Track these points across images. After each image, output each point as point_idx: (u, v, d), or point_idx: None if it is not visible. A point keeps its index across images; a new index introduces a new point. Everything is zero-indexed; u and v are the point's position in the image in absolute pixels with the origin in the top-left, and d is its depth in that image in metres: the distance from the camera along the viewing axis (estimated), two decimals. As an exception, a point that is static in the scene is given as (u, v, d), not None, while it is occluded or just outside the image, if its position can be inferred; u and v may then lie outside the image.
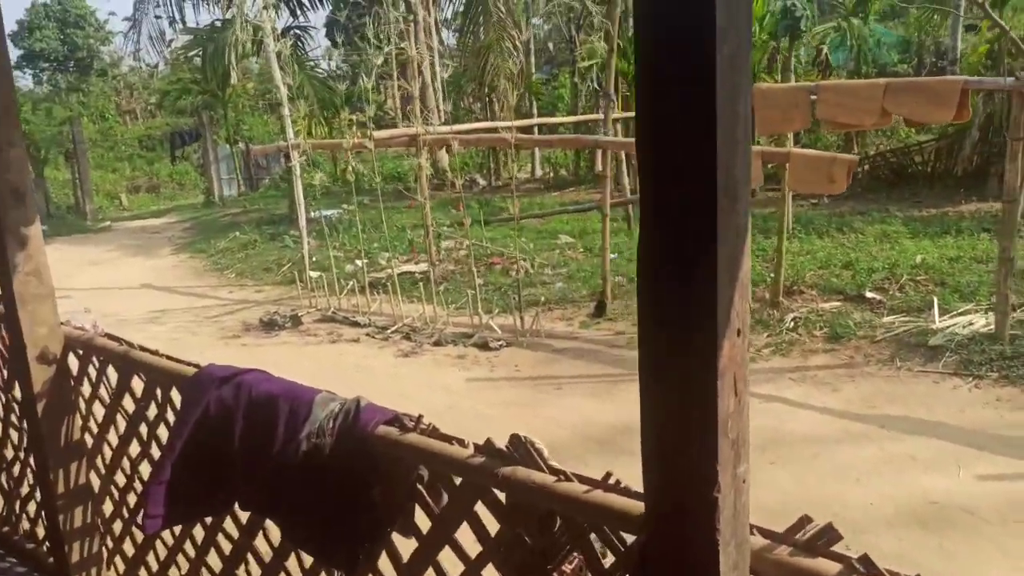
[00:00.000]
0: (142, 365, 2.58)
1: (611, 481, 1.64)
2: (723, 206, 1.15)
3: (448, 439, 1.92)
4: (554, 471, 1.71)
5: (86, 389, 2.96)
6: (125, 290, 10.67)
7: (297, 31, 20.36)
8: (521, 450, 1.76)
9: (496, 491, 1.82)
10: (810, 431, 4.85)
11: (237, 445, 2.16)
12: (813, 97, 6.07)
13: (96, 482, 2.99)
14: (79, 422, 2.97)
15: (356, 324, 8.13)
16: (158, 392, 2.60)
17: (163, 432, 2.65)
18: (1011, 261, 5.47)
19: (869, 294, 6.87)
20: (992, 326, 5.71)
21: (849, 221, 10.64)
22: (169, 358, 2.54)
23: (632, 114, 14.13)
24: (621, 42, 16.45)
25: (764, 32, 12.10)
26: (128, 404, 2.78)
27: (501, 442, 1.84)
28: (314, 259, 10.72)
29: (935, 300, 6.40)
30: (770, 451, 4.60)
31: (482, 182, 19.57)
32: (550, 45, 28.41)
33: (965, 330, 5.75)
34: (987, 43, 12.46)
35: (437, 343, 7.26)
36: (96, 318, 2.77)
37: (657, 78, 1.18)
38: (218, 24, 17.34)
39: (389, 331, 7.73)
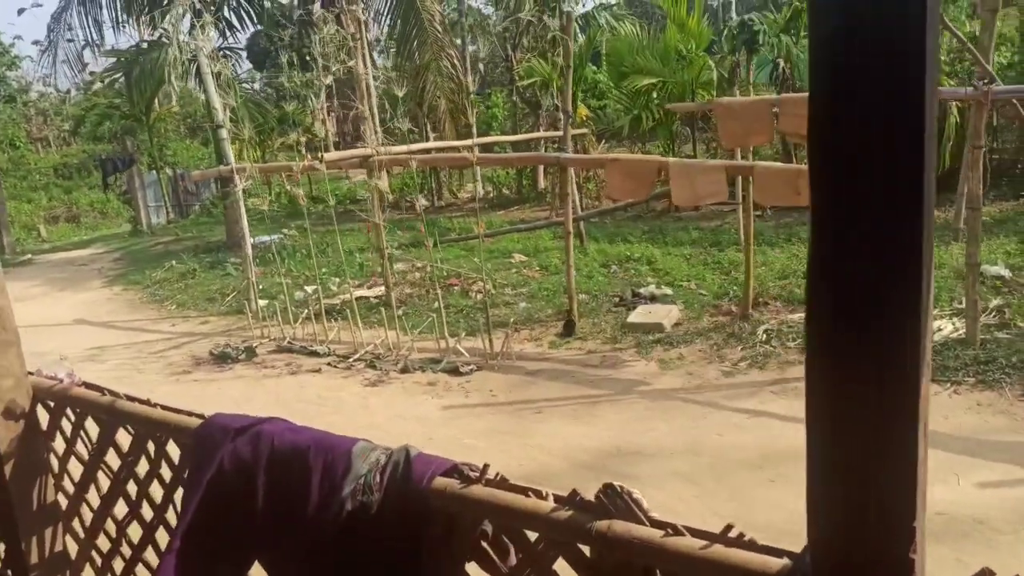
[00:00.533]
0: (131, 416, 2.29)
1: (731, 534, 1.46)
2: (927, 224, 1.00)
3: (522, 490, 1.71)
4: (658, 523, 1.52)
5: (59, 445, 2.64)
6: (57, 327, 10.01)
7: (227, 52, 19.76)
8: (617, 501, 1.57)
9: (581, 546, 1.62)
10: (803, 446, 4.76)
11: (261, 506, 1.90)
12: (775, 110, 6.10)
13: (74, 548, 2.66)
14: (52, 482, 2.63)
15: (315, 354, 7.78)
16: (150, 446, 2.31)
17: (157, 490, 2.37)
18: (978, 267, 5.56)
19: (836, 303, 6.91)
20: (962, 331, 5.79)
21: (797, 232, 10.83)
22: (164, 407, 2.26)
23: (582, 130, 14.14)
24: (558, 60, 16.62)
25: (725, 45, 12.28)
26: (112, 460, 2.47)
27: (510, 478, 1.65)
28: (260, 287, 10.28)
29: (902, 307, 6.47)
30: (768, 468, 4.52)
31: (424, 202, 19.32)
32: (480, 65, 28.46)
33: (936, 336, 5.82)
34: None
35: (404, 370, 6.99)
36: (72, 366, 2.46)
37: (847, 79, 1.01)
38: (144, 46, 16.64)
39: (351, 360, 7.42)
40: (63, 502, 2.65)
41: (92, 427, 2.50)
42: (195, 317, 10.23)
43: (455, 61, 16.62)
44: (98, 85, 25.71)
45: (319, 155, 7.90)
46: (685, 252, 10.60)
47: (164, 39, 16.09)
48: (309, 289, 10.65)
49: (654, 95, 14.59)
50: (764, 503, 4.13)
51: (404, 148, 8.56)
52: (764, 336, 6.51)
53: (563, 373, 6.55)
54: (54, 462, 2.64)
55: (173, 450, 2.27)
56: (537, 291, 9.08)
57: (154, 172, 24.64)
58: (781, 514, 4.00)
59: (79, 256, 18.67)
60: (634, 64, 13.99)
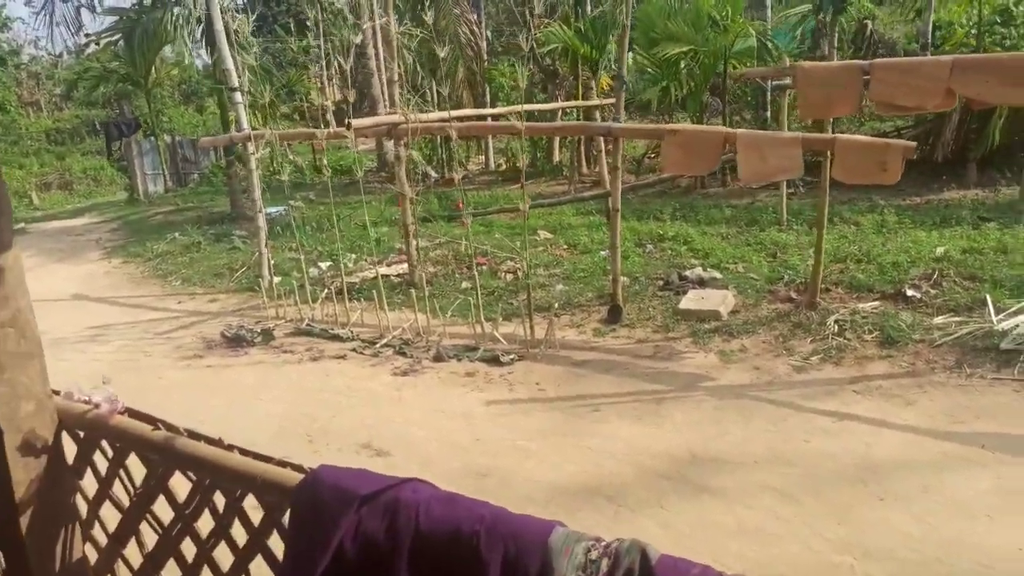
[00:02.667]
0: (195, 461, 1.75)
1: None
2: None
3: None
4: None
5: (89, 485, 2.09)
6: (54, 303, 9.41)
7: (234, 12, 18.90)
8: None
9: None
10: (904, 456, 4.28)
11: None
12: (865, 77, 5.51)
13: (108, 617, 2.13)
14: (79, 532, 2.09)
15: (337, 338, 7.23)
16: (218, 498, 1.77)
17: (223, 555, 1.83)
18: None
19: (910, 292, 6.40)
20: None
21: (838, 211, 10.24)
22: (244, 452, 1.71)
23: (611, 100, 13.49)
24: (581, 26, 15.89)
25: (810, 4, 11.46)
26: (162, 509, 1.94)
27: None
28: (272, 263, 9.69)
29: (988, 298, 5.96)
30: (872, 483, 4.01)
31: (435, 175, 18.66)
32: (488, 33, 27.60)
33: (1032, 332, 5.31)
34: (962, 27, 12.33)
35: (437, 358, 6.45)
36: (114, 389, 1.90)
37: None
38: (147, 4, 15.82)
39: (378, 345, 6.87)
40: (92, 556, 2.11)
41: (136, 466, 1.95)
42: (202, 294, 9.64)
43: (473, 28, 15.85)
44: (93, 47, 24.76)
45: (347, 121, 7.27)
46: (721, 231, 10.04)
47: (167, -3, 15.33)
48: (324, 266, 10.09)
49: (682, 64, 13.91)
50: (877, 526, 3.63)
51: (441, 115, 7.92)
52: (835, 327, 5.98)
53: (614, 365, 6.02)
54: (83, 507, 2.10)
55: (253, 507, 1.73)
56: (572, 272, 8.52)
57: (152, 139, 23.82)
58: (898, 539, 3.52)
59: (74, 225, 17.99)
60: (665, 30, 13.28)
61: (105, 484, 2.03)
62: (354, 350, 6.88)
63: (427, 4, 16.53)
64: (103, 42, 19.82)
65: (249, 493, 1.70)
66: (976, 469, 4.06)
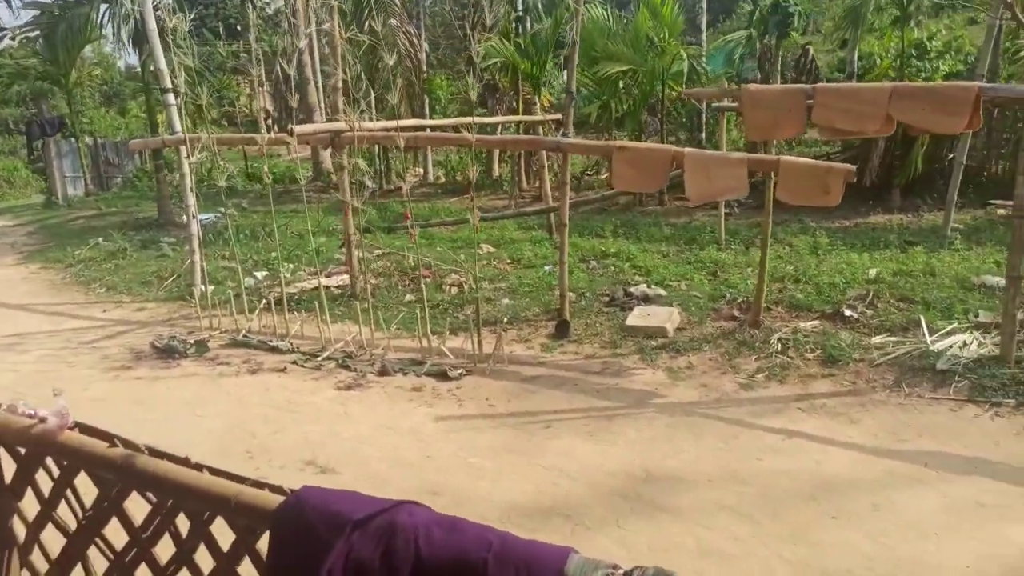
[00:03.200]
0: (158, 481, 1.59)
1: None
2: None
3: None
4: None
5: (29, 507, 1.90)
6: (-34, 309, 8.83)
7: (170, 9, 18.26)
8: None
9: None
10: (853, 474, 4.35)
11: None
12: (809, 101, 5.66)
13: (47, 653, 1.93)
14: (16, 558, 1.89)
15: (276, 349, 6.97)
16: (181, 522, 1.62)
17: (187, 584, 1.68)
18: (1020, 279, 5.24)
19: (847, 312, 6.57)
20: (993, 348, 5.49)
21: (773, 232, 10.46)
22: (214, 471, 1.57)
23: (557, 116, 13.54)
24: (522, 42, 15.96)
25: (754, 29, 11.74)
26: (114, 533, 1.76)
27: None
28: (204, 271, 9.31)
29: (922, 319, 6.17)
30: (824, 502, 4.05)
31: (371, 186, 18.39)
32: (425, 45, 27.55)
33: (967, 352, 5.51)
34: (888, 56, 12.92)
35: (382, 372, 6.28)
36: (65, 402, 1.72)
37: None
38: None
39: (320, 358, 6.65)
40: (33, 586, 1.91)
41: (86, 485, 1.78)
42: (129, 303, 9.19)
43: (412, 39, 15.75)
44: (7, 42, 23.56)
45: (289, 128, 7.06)
46: (661, 249, 10.17)
47: (95, -7, 14.71)
48: (260, 275, 9.77)
49: (620, 84, 14.13)
50: (833, 546, 3.65)
51: (388, 124, 7.77)
52: (779, 345, 6.08)
53: (564, 380, 5.97)
54: (20, 531, 1.90)
55: (220, 532, 1.58)
56: (518, 286, 8.46)
57: (72, 140, 22.78)
58: (855, 558, 3.55)
59: (-13, 228, 17.00)
60: (605, 49, 13.47)
61: (48, 505, 1.84)
62: (295, 363, 6.64)
63: (368, 13, 16.38)
64: (18, 37, 18.86)
65: (218, 516, 1.55)
66: (921, 487, 4.15)
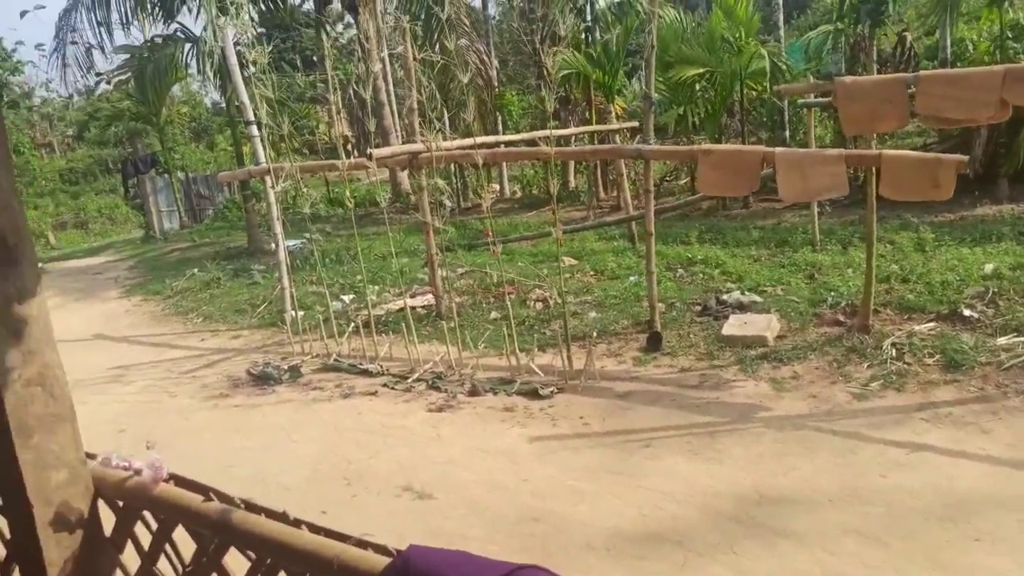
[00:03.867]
0: (255, 538, 1.48)
1: None
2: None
3: None
4: None
5: (130, 559, 1.83)
6: (74, 343, 9.21)
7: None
8: None
9: None
10: (990, 490, 3.96)
11: None
12: (910, 90, 5.27)
13: None
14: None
15: (367, 372, 6.97)
16: (283, 580, 1.51)
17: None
18: None
19: (966, 311, 6.09)
20: None
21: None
22: (313, 527, 1.44)
23: (633, 123, 13.29)
24: (593, 52, 15.77)
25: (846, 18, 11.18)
26: (215, 591, 1.67)
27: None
28: (294, 297, 9.47)
29: (1054, 317, 5.65)
30: (962, 522, 3.69)
31: (449, 204, 18.52)
32: (495, 62, 27.70)
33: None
34: (983, 40, 12.13)
35: (473, 392, 6.18)
36: (158, 454, 1.65)
37: None
38: (158, 41, 15.85)
39: (410, 380, 6.61)
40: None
41: (185, 539, 1.69)
42: (225, 331, 9.43)
43: (483, 57, 15.79)
44: (104, 87, 24.91)
45: (368, 152, 7.09)
46: (751, 253, 9.77)
47: (179, 33, 15.33)
48: (346, 299, 9.87)
49: (697, 87, 13.75)
50: (977, 571, 3.31)
51: (465, 142, 7.73)
52: (893, 351, 5.67)
53: (660, 395, 5.72)
54: (125, 585, 1.83)
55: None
56: (603, 299, 8.24)
57: (165, 176, 23.87)
58: (1006, 587, 3.19)
59: (91, 264, 17.94)
60: (679, 53, 13.13)
61: (148, 559, 1.77)
62: (385, 385, 6.62)
63: (439, 34, 16.54)
64: (114, 81, 19.90)
65: (320, 576, 1.43)
66: (1074, 504, 3.74)
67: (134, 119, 25.85)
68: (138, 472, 1.68)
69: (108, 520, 1.81)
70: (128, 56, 16.99)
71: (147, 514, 1.72)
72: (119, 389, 7.37)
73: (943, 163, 5.23)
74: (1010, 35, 12.74)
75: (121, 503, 1.76)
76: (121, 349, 9.01)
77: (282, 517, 1.47)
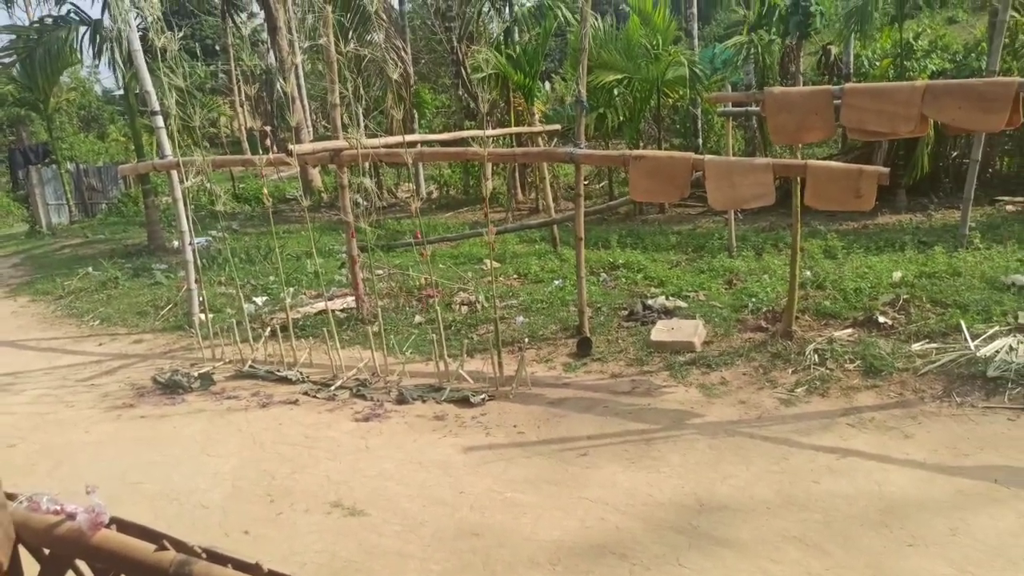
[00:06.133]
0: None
1: None
2: None
3: None
4: None
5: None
6: (-47, 348, 8.44)
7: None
8: None
9: None
10: (919, 495, 4.08)
11: None
12: (836, 102, 5.42)
13: None
14: None
15: (286, 380, 6.65)
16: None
17: None
18: (1070, 281, 5.00)
19: (881, 318, 6.32)
20: (1042, 351, 5.25)
21: (783, 236, 10.31)
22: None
23: (556, 126, 13.29)
24: (513, 52, 15.71)
25: (773, 28, 11.46)
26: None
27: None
28: (203, 299, 8.97)
29: (962, 323, 5.92)
30: (896, 527, 3.77)
31: (363, 203, 18.08)
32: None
33: (1017, 357, 5.26)
34: (887, 57, 12.75)
35: (400, 400, 5.97)
36: (100, 500, 1.41)
37: None
38: (48, 22, 14.78)
39: (333, 388, 6.33)
40: None
41: (128, 594, 1.46)
42: (125, 335, 8.83)
43: (402, 53, 15.49)
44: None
45: (288, 147, 6.75)
46: (671, 258, 9.93)
47: (73, 15, 14.35)
48: (259, 301, 9.43)
49: (615, 92, 13.91)
50: (916, 576, 3.38)
51: (393, 139, 7.47)
52: (816, 357, 5.82)
53: (593, 403, 5.68)
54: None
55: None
56: (530, 303, 8.16)
57: (54, 166, 22.34)
58: (944, 593, 3.26)
59: (-31, 261, 16.54)
60: (598, 58, 13.24)
61: (81, 617, 1.53)
62: (306, 393, 6.31)
63: (357, 28, 16.12)
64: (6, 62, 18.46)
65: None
66: (996, 507, 3.88)
67: (18, 105, 24.14)
68: (72, 516, 1.44)
69: (33, 571, 1.55)
70: (14, 37, 15.76)
71: (83, 566, 1.48)
72: (8, 399, 6.76)
73: (865, 174, 5.38)
74: (899, 51, 13.47)
75: (47, 551, 1.51)
76: (8, 355, 8.29)
77: (255, 569, 1.28)
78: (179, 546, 1.36)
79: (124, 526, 1.43)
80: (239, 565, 1.30)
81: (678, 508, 4.15)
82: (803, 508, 4.02)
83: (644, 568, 3.62)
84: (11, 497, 1.51)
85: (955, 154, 12.32)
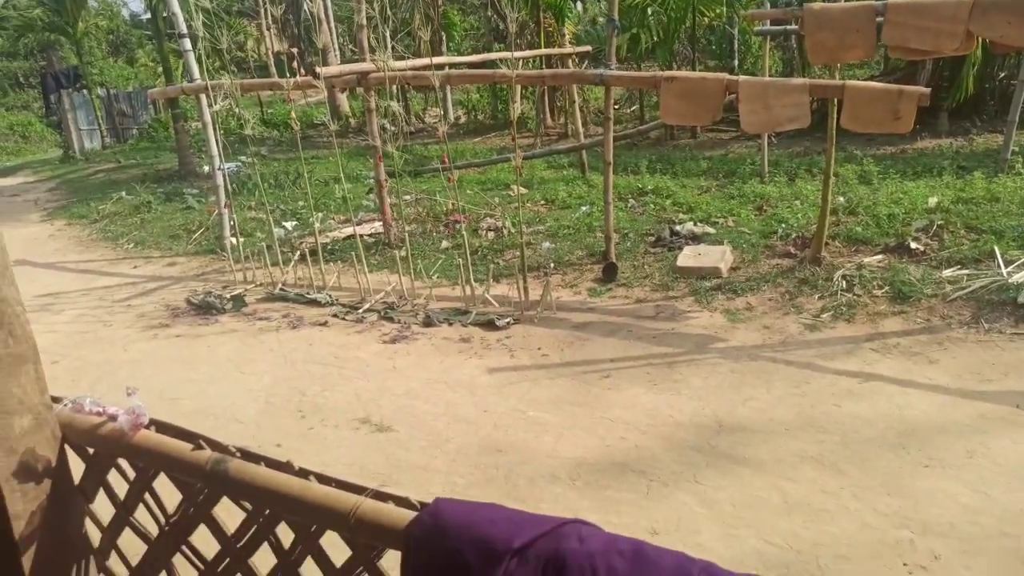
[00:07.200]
0: (255, 490, 1.36)
1: None
2: None
3: None
4: None
5: (103, 510, 1.70)
6: (-4, 269, 8.68)
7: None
8: None
9: None
10: (939, 418, 4.11)
11: None
12: (879, 18, 5.22)
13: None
14: (95, 566, 1.70)
15: (315, 303, 6.78)
16: (283, 533, 1.41)
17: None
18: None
19: (913, 244, 6.23)
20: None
21: (817, 162, 10.08)
22: (321, 477, 1.34)
23: (586, 48, 12.97)
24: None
25: None
26: (203, 540, 1.56)
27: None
28: (234, 223, 9.09)
29: (995, 249, 5.82)
30: (913, 449, 3.82)
31: (391, 127, 17.96)
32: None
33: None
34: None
35: (427, 323, 6.08)
36: (139, 400, 1.50)
37: None
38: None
39: (361, 311, 6.45)
40: (114, 592, 1.72)
41: (166, 488, 1.56)
42: (159, 257, 9.03)
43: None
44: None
45: (314, 70, 6.71)
46: (700, 184, 9.81)
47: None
48: (289, 225, 9.54)
49: (649, 12, 13.49)
50: (930, 496, 3.43)
51: (421, 62, 7.38)
52: (843, 283, 5.78)
53: (617, 327, 5.73)
54: (96, 536, 1.70)
55: (330, 540, 1.36)
56: (557, 229, 8.15)
57: (85, 92, 22.42)
58: (956, 510, 3.33)
59: (5, 185, 16.88)
60: (631, -24, 12.81)
61: (125, 509, 1.64)
62: (335, 315, 6.45)
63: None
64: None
65: (327, 529, 1.33)
66: (1017, 431, 3.90)
67: (47, 30, 24.07)
68: (113, 418, 1.53)
69: (80, 470, 1.66)
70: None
71: (125, 464, 1.57)
72: (49, 318, 6.99)
73: (905, 95, 5.23)
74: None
75: (92, 451, 1.61)
76: (48, 276, 8.54)
77: (286, 467, 1.36)
78: (214, 446, 1.44)
79: (162, 427, 1.52)
80: (271, 463, 1.38)
81: (698, 428, 4.23)
82: (821, 430, 4.07)
83: (662, 484, 3.72)
84: (56, 400, 1.61)
85: (1003, 75, 11.83)
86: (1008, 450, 3.73)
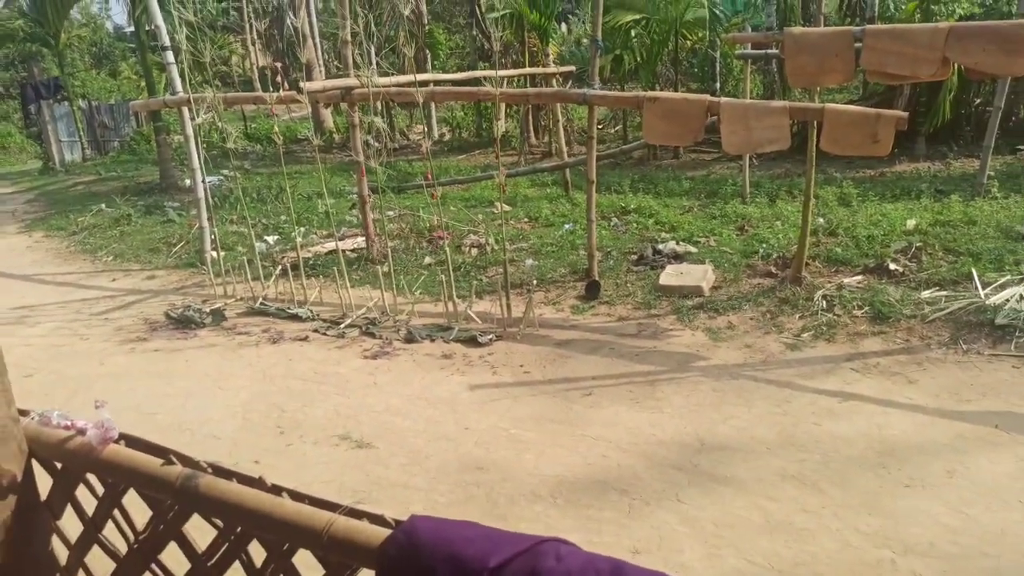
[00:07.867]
0: (225, 507, 1.33)
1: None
2: None
3: None
4: None
5: (71, 526, 1.65)
6: (-30, 281, 8.57)
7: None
8: None
9: None
10: (919, 438, 4.12)
11: None
12: (858, 44, 5.29)
13: None
14: (59, 585, 1.65)
15: (296, 317, 6.72)
16: (255, 551, 1.37)
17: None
18: (1085, 230, 4.94)
19: (892, 265, 6.29)
20: (1053, 301, 5.22)
21: (797, 183, 10.18)
22: (295, 494, 1.31)
23: (570, 68, 13.06)
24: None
25: None
26: (171, 557, 1.52)
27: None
28: (215, 237, 9.02)
29: (973, 271, 5.88)
30: (894, 469, 3.83)
31: (375, 143, 17.96)
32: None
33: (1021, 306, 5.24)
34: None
35: (409, 339, 6.04)
36: (108, 414, 1.46)
37: None
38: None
39: (343, 326, 6.40)
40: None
41: (136, 505, 1.52)
42: (138, 271, 8.93)
43: (414, -11, 15.16)
44: (-4, 2, 22.88)
45: (299, 85, 6.70)
46: (683, 204, 9.86)
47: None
48: (271, 239, 9.48)
49: (632, 34, 13.62)
50: (911, 516, 3.44)
51: (405, 78, 7.38)
52: (823, 303, 5.81)
53: (599, 344, 5.72)
54: (63, 554, 1.65)
55: (302, 559, 1.33)
56: (540, 246, 8.16)
57: (66, 103, 22.25)
58: (936, 530, 3.33)
59: (-16, 196, 16.64)
60: (616, -2, 12.95)
61: (93, 526, 1.59)
62: (316, 331, 6.39)
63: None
64: (5, -1, 18.26)
65: (300, 548, 1.30)
66: (995, 451, 3.92)
67: (29, 40, 23.93)
68: (82, 432, 1.49)
69: (47, 485, 1.61)
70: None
71: (93, 479, 1.53)
72: (24, 331, 6.89)
73: (883, 119, 5.30)
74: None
75: (60, 465, 1.57)
76: (24, 288, 8.41)
77: (258, 483, 1.32)
78: (186, 461, 1.41)
79: (133, 441, 1.48)
80: (243, 479, 1.35)
81: (680, 447, 4.22)
82: (802, 449, 4.07)
83: (643, 503, 3.70)
84: (23, 413, 1.56)
85: (978, 101, 12.03)
86: (986, 470, 3.75)
